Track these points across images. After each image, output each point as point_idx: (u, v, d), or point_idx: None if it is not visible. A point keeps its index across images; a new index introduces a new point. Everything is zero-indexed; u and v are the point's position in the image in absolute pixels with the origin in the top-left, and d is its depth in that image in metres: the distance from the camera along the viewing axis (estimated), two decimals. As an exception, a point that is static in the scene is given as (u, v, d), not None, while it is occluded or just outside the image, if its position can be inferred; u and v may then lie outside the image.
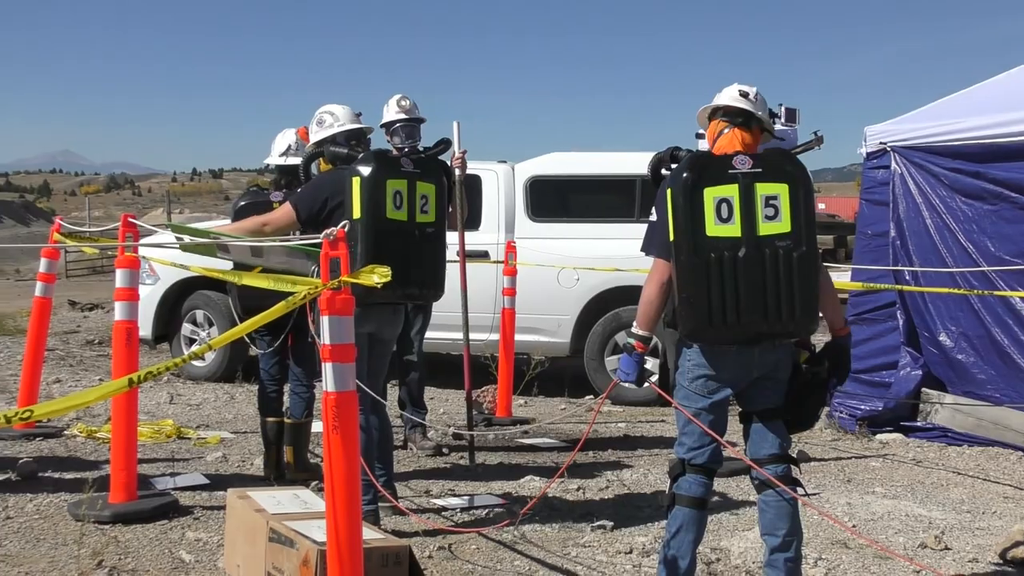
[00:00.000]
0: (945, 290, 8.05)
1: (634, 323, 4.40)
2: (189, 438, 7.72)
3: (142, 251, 6.75)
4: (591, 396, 10.14)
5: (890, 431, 8.34)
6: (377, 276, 3.85)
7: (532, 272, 9.49)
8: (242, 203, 6.56)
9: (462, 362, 7.51)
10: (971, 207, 8.08)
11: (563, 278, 9.89)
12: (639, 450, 7.84)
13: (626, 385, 4.58)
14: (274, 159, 6.71)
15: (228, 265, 6.20)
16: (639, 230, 9.86)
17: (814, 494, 6.34)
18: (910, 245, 8.39)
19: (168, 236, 8.91)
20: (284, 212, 5.55)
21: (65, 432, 7.68)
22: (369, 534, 4.31)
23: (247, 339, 6.75)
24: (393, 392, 7.83)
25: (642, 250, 4.39)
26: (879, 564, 5.21)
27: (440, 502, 6.10)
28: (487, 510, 5.98)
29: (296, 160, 6.56)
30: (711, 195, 4.10)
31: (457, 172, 7.17)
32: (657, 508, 5.95)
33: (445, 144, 6.90)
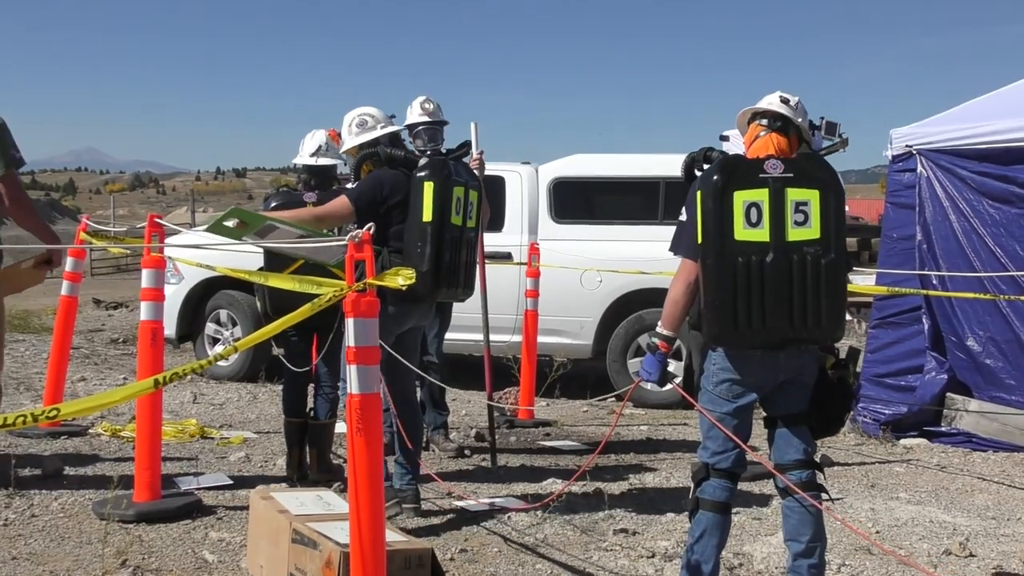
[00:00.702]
0: (972, 295, 8.00)
1: (659, 323, 4.41)
2: (212, 438, 7.75)
3: (167, 251, 6.78)
4: (612, 398, 10.11)
5: (914, 436, 8.29)
6: (402, 279, 3.85)
7: (555, 274, 9.48)
8: (273, 203, 6.56)
9: (484, 364, 7.51)
10: (999, 211, 8.02)
11: (586, 280, 9.88)
12: (661, 453, 7.82)
13: (648, 386, 4.59)
14: (304, 159, 6.70)
15: (249, 260, 6.22)
16: (663, 232, 9.85)
17: (837, 499, 6.31)
18: (937, 249, 8.34)
19: (194, 236, 8.95)
20: (341, 206, 5.65)
21: (90, 431, 7.71)
22: (392, 536, 4.31)
23: (271, 339, 6.76)
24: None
25: (670, 250, 4.40)
26: (903, 571, 5.18)
27: (462, 504, 6.10)
28: (509, 512, 5.97)
29: (327, 161, 6.63)
30: (741, 198, 4.09)
31: (476, 174, 7.17)
32: (680, 512, 5.94)
33: (465, 148, 6.94)
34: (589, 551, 5.35)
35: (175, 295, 10.36)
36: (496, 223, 9.88)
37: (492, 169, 8.83)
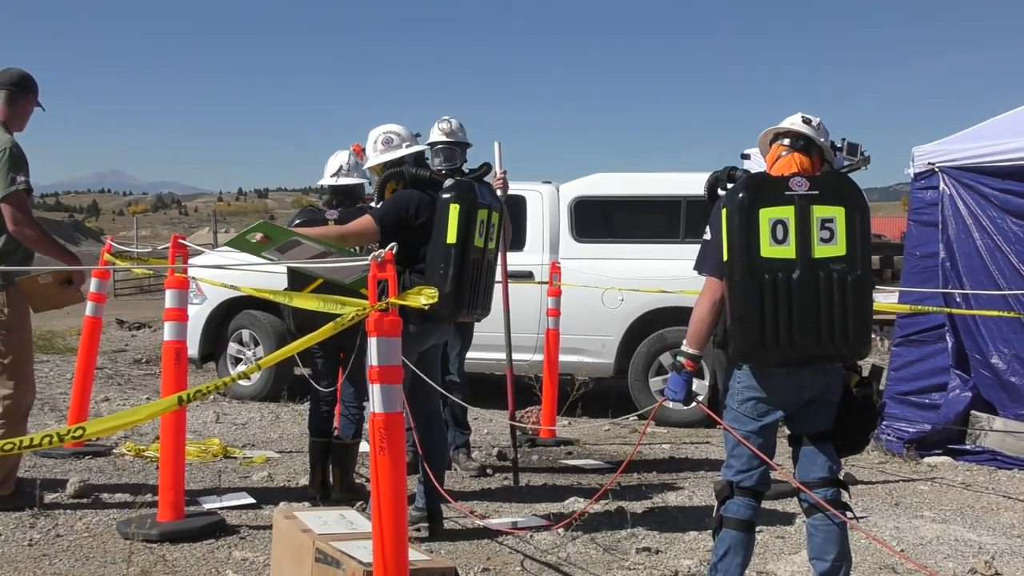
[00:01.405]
0: (996, 313, 7.96)
1: (684, 342, 4.41)
2: (235, 457, 7.78)
3: (191, 271, 6.82)
4: (634, 417, 10.10)
5: (938, 454, 8.24)
6: (424, 298, 3.87)
7: (576, 293, 9.48)
8: (297, 221, 6.61)
9: (506, 383, 7.51)
10: (1023, 228, 7.98)
11: (608, 299, 9.87)
12: (684, 472, 7.79)
13: (671, 404, 4.60)
14: (326, 180, 6.76)
15: (273, 280, 6.26)
16: (684, 251, 9.89)
17: (862, 517, 6.28)
18: (960, 266, 8.30)
19: (217, 257, 9.01)
20: (365, 224, 5.62)
21: (114, 451, 7.75)
22: (415, 555, 4.31)
23: (295, 358, 6.80)
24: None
25: (695, 268, 4.42)
26: (929, 590, 5.15)
27: (484, 523, 6.10)
28: (531, 532, 5.96)
29: (348, 180, 6.67)
30: (767, 216, 4.11)
31: (499, 193, 7.20)
32: (703, 530, 5.93)
33: (486, 168, 6.98)
34: (612, 570, 5.33)
35: (198, 315, 10.42)
36: (517, 242, 9.91)
37: (514, 188, 8.85)
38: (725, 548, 4.32)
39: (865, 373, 4.51)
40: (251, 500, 6.46)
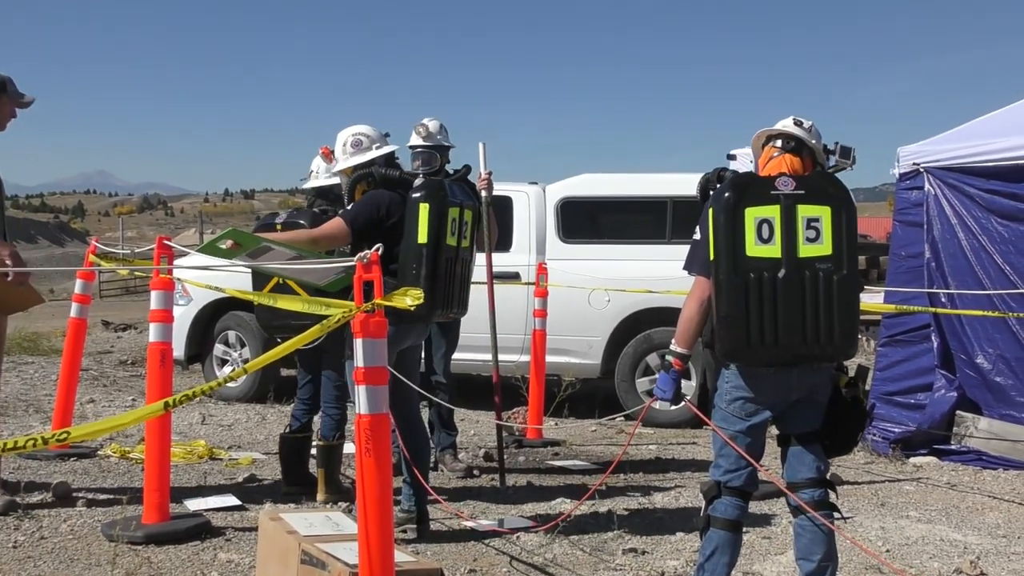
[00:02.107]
0: (980, 312, 7.98)
1: (673, 341, 4.41)
2: (221, 459, 7.76)
3: (176, 272, 6.81)
4: (621, 417, 10.11)
5: (924, 454, 8.26)
6: (410, 299, 3.86)
7: (563, 293, 9.49)
8: (279, 220, 6.72)
9: (492, 384, 7.51)
10: (1007, 228, 8.02)
11: (594, 299, 9.87)
12: (670, 472, 7.80)
13: (657, 405, 4.61)
14: (307, 184, 6.87)
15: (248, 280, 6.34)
16: (671, 251, 9.91)
17: (848, 518, 6.29)
18: (945, 267, 8.33)
19: (202, 259, 8.98)
20: (336, 227, 5.60)
21: (99, 452, 7.72)
22: (401, 556, 4.30)
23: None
24: (423, 414, 7.83)
25: (684, 268, 4.43)
26: (914, 590, 5.16)
27: (471, 524, 6.09)
28: (518, 532, 5.96)
29: (319, 183, 6.73)
30: (752, 215, 4.12)
31: (484, 194, 7.21)
32: (689, 532, 5.93)
33: (467, 170, 6.99)
34: (598, 571, 5.33)
35: (184, 316, 10.40)
36: (504, 243, 9.90)
37: (500, 189, 8.85)
38: (712, 548, 4.32)
39: (851, 373, 4.52)
40: (237, 501, 6.44)
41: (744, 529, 4.53)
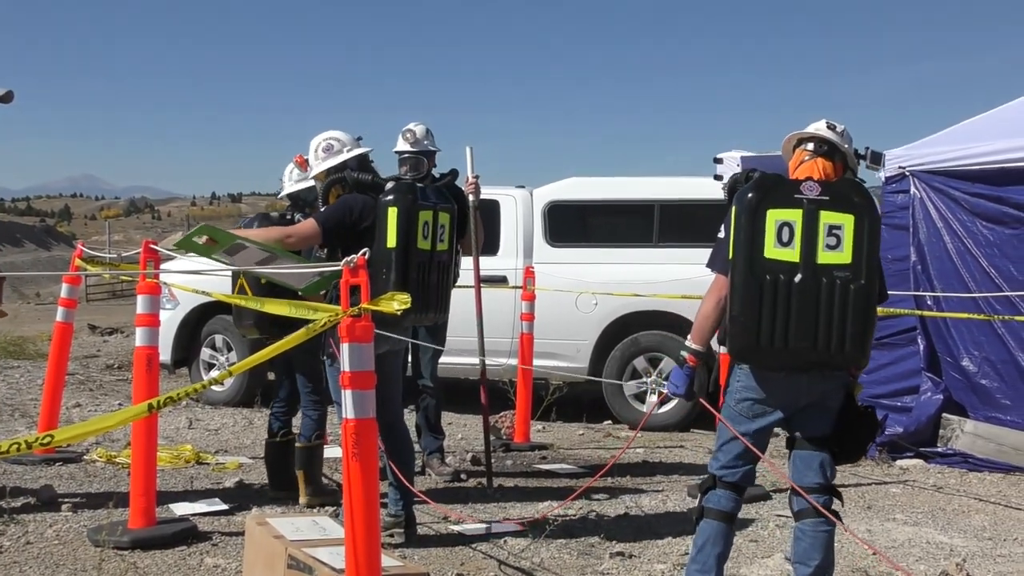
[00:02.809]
0: (966, 315, 8.02)
1: (689, 337, 4.42)
2: (208, 463, 7.73)
3: (163, 276, 6.79)
4: (608, 421, 10.12)
5: (910, 457, 8.29)
6: (397, 303, 3.86)
7: (550, 297, 9.49)
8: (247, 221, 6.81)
9: (480, 387, 7.51)
10: (992, 231, 8.05)
11: (581, 303, 9.87)
12: (658, 476, 7.80)
13: (662, 409, 4.62)
14: (283, 192, 6.95)
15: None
16: (658, 255, 9.94)
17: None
18: (931, 270, 8.36)
19: (189, 262, 8.96)
20: (309, 227, 5.59)
21: (84, 457, 7.69)
22: (388, 561, 4.30)
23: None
24: (410, 418, 7.83)
25: (707, 265, 4.42)
26: (901, 592, 5.17)
27: (458, 528, 6.09)
28: (505, 536, 5.96)
29: (290, 189, 6.86)
30: (774, 217, 4.11)
31: (471, 198, 7.21)
32: (676, 535, 5.94)
33: (453, 175, 7.00)
34: (585, 574, 5.33)
35: (171, 320, 10.38)
36: (491, 247, 9.90)
37: (487, 193, 8.85)
38: (704, 538, 4.34)
39: None
40: (223, 506, 6.42)
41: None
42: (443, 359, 7.76)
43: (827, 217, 4.11)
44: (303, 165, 6.55)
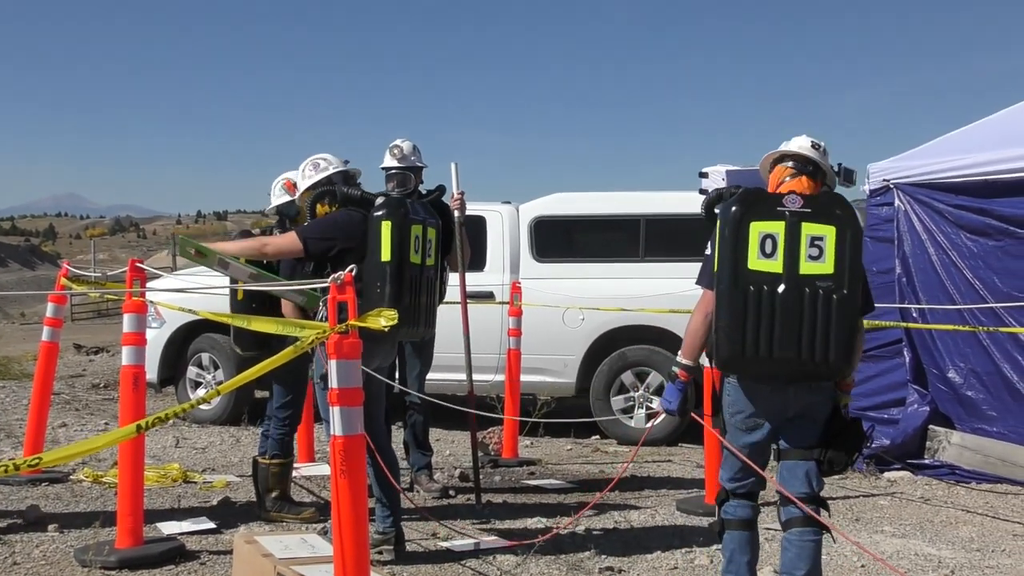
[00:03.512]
0: (951, 327, 8.05)
1: (679, 352, 4.49)
2: (195, 482, 7.71)
3: (149, 295, 6.79)
4: (596, 436, 10.12)
5: (898, 469, 8.31)
6: (384, 319, 3.86)
7: (537, 312, 9.49)
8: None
9: (467, 403, 7.50)
10: (976, 243, 8.09)
11: (568, 318, 9.88)
12: (646, 490, 7.80)
13: (653, 423, 4.69)
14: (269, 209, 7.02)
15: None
16: (644, 269, 9.96)
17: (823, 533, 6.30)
18: (916, 282, 8.40)
19: (175, 281, 8.95)
20: (288, 240, 5.62)
21: (71, 477, 7.66)
22: (377, 578, 4.29)
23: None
24: (398, 435, 7.81)
25: (697, 282, 4.48)
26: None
27: (447, 544, 6.07)
28: (494, 552, 5.95)
29: (276, 202, 6.90)
30: (757, 229, 4.19)
31: (456, 214, 7.23)
32: (666, 550, 5.95)
33: (440, 191, 7.01)
34: (575, 590, 5.33)
35: (157, 339, 10.34)
36: (478, 262, 9.91)
37: (473, 209, 8.86)
38: (731, 550, 4.43)
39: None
40: (211, 525, 6.39)
41: (718, 547, 4.56)
42: (430, 375, 7.75)
43: (809, 229, 4.18)
44: (292, 189, 6.57)
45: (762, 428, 4.37)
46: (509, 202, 10.73)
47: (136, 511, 5.65)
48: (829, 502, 7.20)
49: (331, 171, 5.87)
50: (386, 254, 5.42)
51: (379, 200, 5.57)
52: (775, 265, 4.18)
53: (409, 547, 5.90)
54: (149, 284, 6.79)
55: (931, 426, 8.24)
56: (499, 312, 9.79)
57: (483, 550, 5.96)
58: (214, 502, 7.06)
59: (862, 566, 5.80)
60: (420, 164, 7.39)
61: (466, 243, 7.45)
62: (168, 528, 6.25)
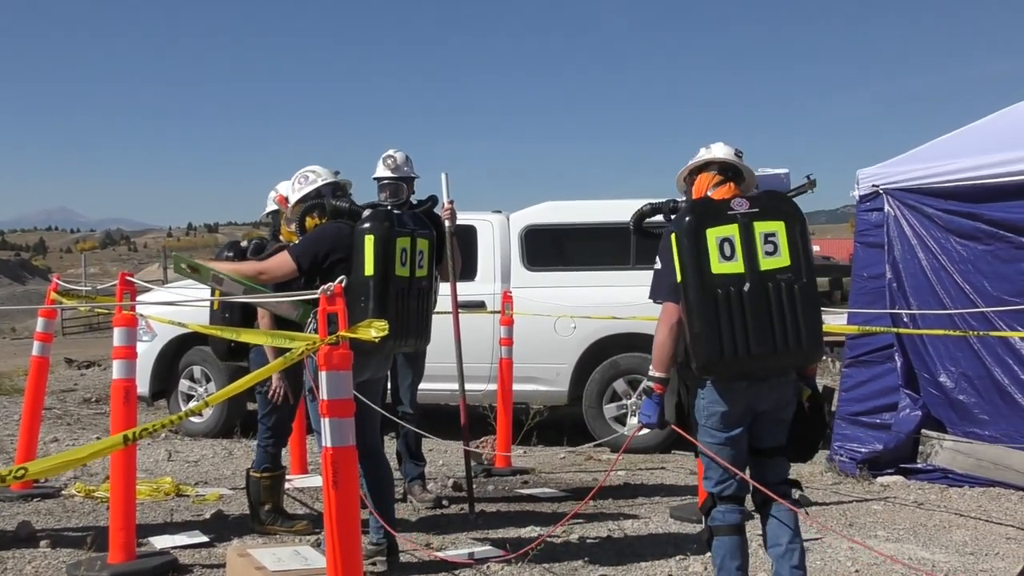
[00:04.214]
0: (942, 332, 8.06)
1: (650, 367, 4.55)
2: (188, 495, 7.68)
3: (139, 308, 6.78)
4: (589, 444, 10.12)
5: (891, 473, 8.31)
6: (375, 330, 3.86)
7: (529, 321, 9.49)
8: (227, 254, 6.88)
9: (460, 413, 7.49)
10: (966, 248, 8.10)
11: (560, 327, 9.89)
12: (639, 498, 7.80)
13: (643, 431, 4.78)
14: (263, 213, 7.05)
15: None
16: (635, 277, 9.96)
17: (816, 539, 6.31)
18: (907, 287, 8.40)
19: (165, 294, 8.94)
20: (282, 262, 5.58)
21: (63, 492, 7.63)
22: (370, 590, 4.28)
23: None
24: (391, 445, 7.80)
25: (650, 298, 4.57)
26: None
27: (441, 554, 6.06)
28: (488, 562, 5.93)
29: (269, 209, 7.01)
30: (713, 235, 4.32)
31: (447, 224, 7.23)
32: (659, 558, 5.94)
33: (432, 201, 7.01)
34: (569, 599, 5.32)
35: (148, 352, 10.32)
36: (469, 272, 9.90)
37: (463, 218, 8.86)
38: (721, 556, 4.49)
39: (817, 392, 4.70)
40: (204, 538, 6.37)
41: (708, 554, 4.60)
42: (422, 385, 7.74)
43: (761, 227, 4.36)
44: (284, 203, 6.58)
45: (739, 425, 4.47)
46: (500, 211, 10.74)
47: (128, 525, 5.62)
48: (823, 508, 7.25)
49: (320, 183, 5.87)
50: (369, 268, 5.37)
51: (365, 212, 5.56)
52: (736, 266, 4.32)
53: (403, 558, 5.88)
54: (140, 297, 6.79)
55: (923, 431, 8.24)
56: (491, 321, 9.79)
57: (477, 560, 5.95)
58: (207, 515, 7.04)
59: (856, 571, 5.80)
60: (412, 174, 7.40)
61: (457, 253, 7.45)
62: (161, 542, 6.22)
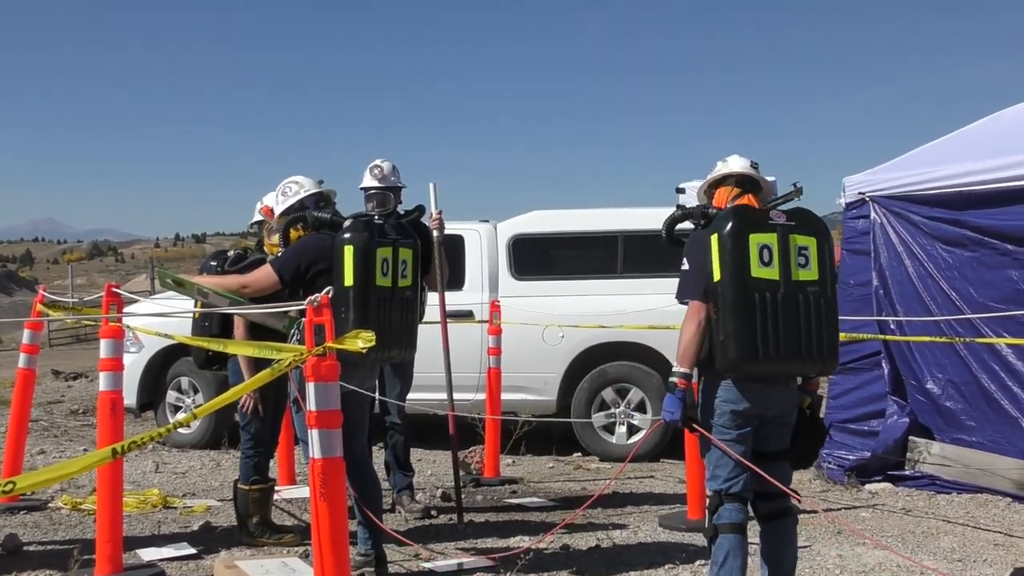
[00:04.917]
0: (929, 338, 8.08)
1: (675, 363, 4.65)
2: (175, 507, 7.65)
3: (126, 320, 6.76)
4: (578, 453, 10.12)
5: (879, 480, 8.32)
6: (362, 341, 3.86)
7: (517, 331, 9.49)
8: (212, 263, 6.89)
9: (448, 423, 7.49)
10: (952, 254, 8.12)
11: (548, 336, 9.89)
12: (628, 507, 7.80)
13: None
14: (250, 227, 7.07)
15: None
16: (623, 286, 9.98)
17: (805, 547, 6.31)
18: (893, 294, 8.43)
19: (152, 305, 8.93)
20: (265, 275, 5.57)
21: (50, 505, 7.60)
22: (359, 601, 4.27)
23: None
24: (379, 456, 7.78)
25: (677, 298, 4.67)
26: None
27: (429, 565, 6.05)
28: (477, 572, 5.93)
29: (256, 219, 7.02)
30: (755, 240, 4.49)
31: (435, 233, 7.23)
32: (648, 567, 5.94)
33: (419, 211, 7.01)
34: (559, 609, 5.31)
35: (135, 364, 10.29)
36: (457, 281, 9.90)
37: (451, 228, 8.87)
38: (724, 553, 4.57)
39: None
40: (192, 550, 6.35)
41: (700, 562, 4.62)
42: (411, 395, 7.73)
43: (797, 239, 4.54)
44: (269, 214, 6.58)
45: (748, 424, 4.60)
46: (487, 220, 10.74)
47: (115, 538, 5.60)
48: (811, 515, 7.25)
49: (303, 195, 5.87)
50: (348, 279, 5.35)
51: (346, 223, 5.55)
52: (773, 273, 4.49)
53: (391, 568, 5.87)
54: (127, 309, 6.77)
55: (911, 437, 8.26)
56: (479, 331, 9.78)
57: (466, 570, 5.94)
58: (195, 527, 7.01)
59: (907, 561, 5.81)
60: (399, 184, 7.40)
61: (445, 262, 7.44)
62: (148, 554, 6.20)
